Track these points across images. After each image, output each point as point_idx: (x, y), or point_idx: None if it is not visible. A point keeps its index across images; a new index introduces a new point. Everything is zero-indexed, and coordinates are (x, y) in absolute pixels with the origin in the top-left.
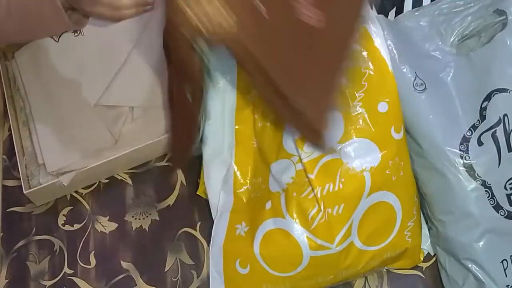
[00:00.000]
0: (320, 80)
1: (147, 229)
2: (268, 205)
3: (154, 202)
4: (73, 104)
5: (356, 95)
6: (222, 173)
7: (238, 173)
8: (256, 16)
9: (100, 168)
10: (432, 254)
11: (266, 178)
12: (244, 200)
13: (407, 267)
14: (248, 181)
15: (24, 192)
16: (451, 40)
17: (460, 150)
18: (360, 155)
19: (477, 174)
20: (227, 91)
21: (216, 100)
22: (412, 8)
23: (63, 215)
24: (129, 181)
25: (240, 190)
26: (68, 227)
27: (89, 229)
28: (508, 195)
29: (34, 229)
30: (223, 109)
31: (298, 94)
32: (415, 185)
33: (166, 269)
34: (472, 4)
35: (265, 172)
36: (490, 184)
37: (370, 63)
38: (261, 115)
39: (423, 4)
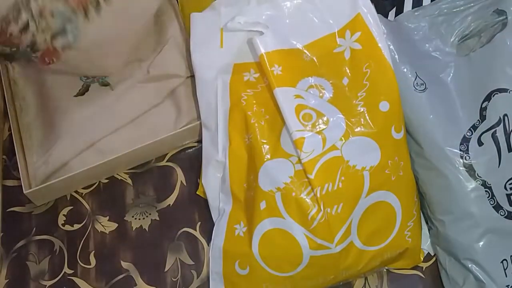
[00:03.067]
0: None
1: (147, 229)
2: (263, 205)
3: (154, 202)
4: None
5: (358, 94)
6: (219, 174)
7: (233, 172)
8: None
9: (100, 168)
10: (432, 254)
11: (257, 175)
12: (242, 200)
13: (407, 267)
14: (244, 179)
15: (24, 192)
16: (451, 40)
17: (460, 150)
18: (361, 154)
19: (477, 174)
20: (222, 93)
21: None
22: (412, 8)
23: (63, 215)
24: (129, 181)
25: (237, 189)
26: (68, 227)
27: (89, 229)
28: (508, 195)
29: (34, 229)
30: (217, 111)
31: None
32: (415, 185)
33: (166, 269)
34: (472, 4)
35: (256, 169)
36: (490, 184)
37: (371, 63)
38: (255, 113)
39: (423, 4)
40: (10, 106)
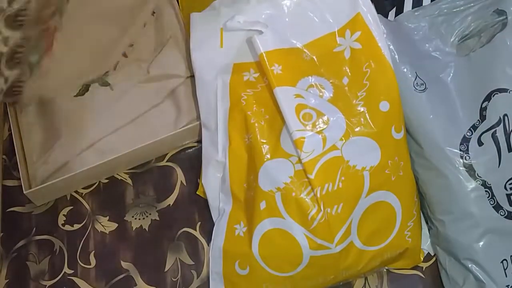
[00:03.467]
0: None
1: (147, 229)
2: (263, 205)
3: (154, 202)
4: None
5: (358, 94)
6: (219, 174)
7: (233, 172)
8: None
9: (100, 168)
10: (432, 254)
11: (257, 175)
12: (242, 200)
13: (407, 267)
14: (244, 179)
15: (24, 192)
16: (451, 40)
17: (460, 150)
18: (361, 154)
19: (477, 174)
20: (222, 93)
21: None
22: (412, 8)
23: (63, 215)
24: (129, 181)
25: (237, 189)
26: (68, 227)
27: (89, 229)
28: (508, 195)
29: (34, 229)
30: (217, 111)
31: None
32: (415, 185)
33: (166, 269)
34: (472, 4)
35: (256, 170)
36: (490, 184)
37: (371, 62)
38: (255, 113)
39: (423, 4)
40: (10, 106)
